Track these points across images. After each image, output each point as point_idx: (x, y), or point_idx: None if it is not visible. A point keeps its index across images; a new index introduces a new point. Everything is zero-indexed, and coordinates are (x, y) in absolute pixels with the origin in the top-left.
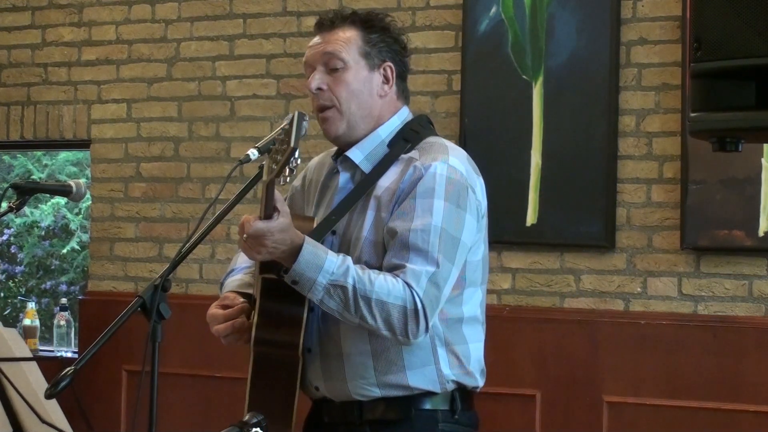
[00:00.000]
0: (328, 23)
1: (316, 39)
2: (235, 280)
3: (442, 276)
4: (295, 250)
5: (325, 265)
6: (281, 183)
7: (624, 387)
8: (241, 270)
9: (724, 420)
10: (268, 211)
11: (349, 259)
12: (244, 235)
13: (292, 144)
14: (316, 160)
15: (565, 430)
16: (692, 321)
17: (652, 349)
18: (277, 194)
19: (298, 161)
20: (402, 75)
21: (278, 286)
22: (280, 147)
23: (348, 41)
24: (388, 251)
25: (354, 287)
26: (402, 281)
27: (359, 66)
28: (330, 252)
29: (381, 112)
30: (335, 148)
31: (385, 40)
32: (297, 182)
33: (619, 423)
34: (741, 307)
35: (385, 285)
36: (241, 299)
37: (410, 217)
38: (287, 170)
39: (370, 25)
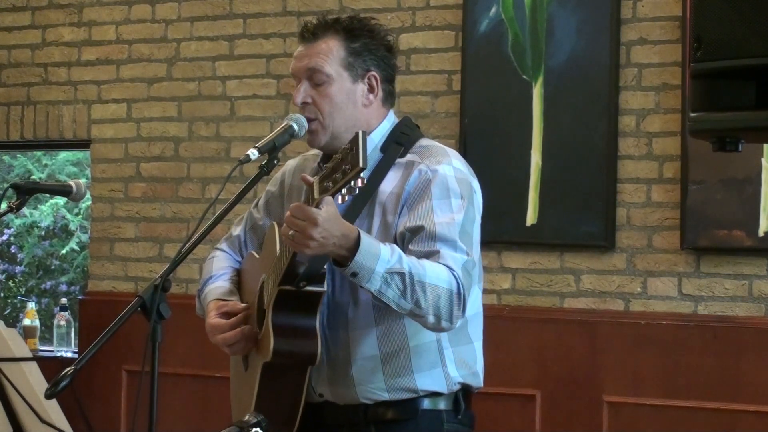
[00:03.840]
0: (310, 34)
1: (300, 49)
2: (216, 288)
3: (471, 265)
4: (350, 242)
5: (381, 254)
6: (339, 202)
7: (624, 387)
8: (219, 277)
9: (724, 420)
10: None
11: (396, 247)
12: (290, 222)
13: (360, 164)
14: (293, 163)
15: (565, 430)
16: (692, 321)
17: (652, 349)
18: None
19: (365, 180)
20: (389, 78)
21: (293, 297)
22: (338, 165)
23: (330, 53)
24: (411, 244)
25: (410, 272)
26: (444, 266)
27: (342, 78)
28: (379, 242)
29: (368, 119)
30: (317, 152)
31: (369, 48)
32: (273, 187)
33: (619, 423)
34: (741, 307)
35: (433, 269)
36: (242, 305)
37: (432, 215)
38: (346, 189)
39: (353, 33)
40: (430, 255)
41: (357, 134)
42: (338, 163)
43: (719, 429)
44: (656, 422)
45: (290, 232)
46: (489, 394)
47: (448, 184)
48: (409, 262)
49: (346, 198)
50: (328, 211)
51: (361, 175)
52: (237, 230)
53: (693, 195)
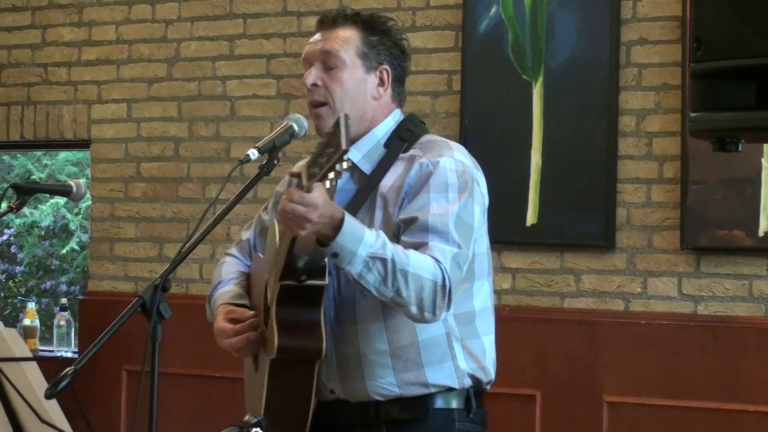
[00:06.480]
0: (329, 21)
1: (317, 36)
2: (226, 293)
3: (462, 258)
4: (336, 224)
5: (365, 237)
6: (326, 186)
7: (624, 387)
8: (228, 282)
9: (724, 420)
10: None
11: (383, 234)
12: (291, 209)
13: (343, 145)
14: (301, 163)
15: (565, 430)
16: (692, 321)
17: (652, 349)
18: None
19: (349, 163)
20: (399, 79)
21: (296, 292)
22: (323, 150)
23: (347, 41)
24: (404, 235)
25: (393, 260)
26: (431, 257)
27: (355, 66)
28: (365, 227)
29: (375, 113)
30: None
31: (384, 43)
32: (282, 188)
33: (619, 423)
34: (741, 307)
35: (418, 259)
36: (250, 312)
37: (428, 208)
38: (332, 173)
39: (371, 27)
40: (420, 246)
41: (339, 117)
42: (323, 147)
43: (719, 429)
44: (656, 422)
45: (289, 217)
46: (489, 394)
47: (447, 177)
48: (393, 250)
49: (335, 182)
50: (322, 195)
51: (345, 157)
52: (246, 234)
53: (693, 195)
